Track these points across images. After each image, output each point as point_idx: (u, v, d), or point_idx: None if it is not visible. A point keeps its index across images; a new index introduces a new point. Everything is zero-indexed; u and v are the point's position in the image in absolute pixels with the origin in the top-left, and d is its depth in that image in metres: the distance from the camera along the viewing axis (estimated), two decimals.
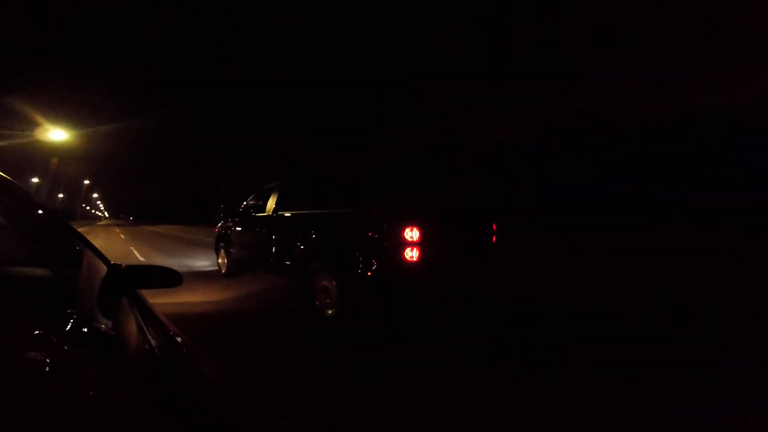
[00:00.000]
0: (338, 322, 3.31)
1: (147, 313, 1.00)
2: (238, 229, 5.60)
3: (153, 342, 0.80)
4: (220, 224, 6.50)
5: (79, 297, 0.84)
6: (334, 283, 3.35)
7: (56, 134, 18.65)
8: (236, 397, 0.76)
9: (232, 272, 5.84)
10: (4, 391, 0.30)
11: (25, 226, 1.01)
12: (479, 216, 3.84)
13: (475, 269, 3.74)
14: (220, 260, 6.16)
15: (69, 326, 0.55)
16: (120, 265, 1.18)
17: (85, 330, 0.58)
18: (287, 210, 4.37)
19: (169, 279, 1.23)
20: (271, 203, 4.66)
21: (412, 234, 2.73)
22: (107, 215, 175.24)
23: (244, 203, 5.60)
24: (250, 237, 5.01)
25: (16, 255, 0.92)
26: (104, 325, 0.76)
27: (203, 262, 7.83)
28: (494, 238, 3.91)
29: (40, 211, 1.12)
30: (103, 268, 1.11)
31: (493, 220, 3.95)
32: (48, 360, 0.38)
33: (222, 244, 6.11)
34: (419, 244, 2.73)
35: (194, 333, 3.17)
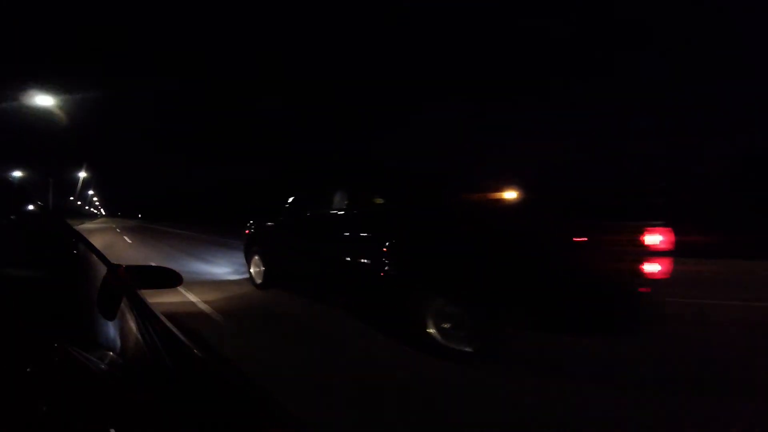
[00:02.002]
0: (478, 361, 2.28)
1: (147, 313, 0.94)
2: (285, 231, 4.52)
3: (153, 342, 0.78)
4: (250, 222, 5.45)
5: (79, 297, 0.85)
6: (464, 303, 2.32)
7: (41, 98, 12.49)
8: (239, 397, 0.68)
9: (270, 284, 4.78)
10: (4, 392, 0.30)
11: (22, 226, 1.02)
12: None
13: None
14: (253, 269, 5.06)
15: (67, 327, 0.56)
16: (120, 265, 1.17)
17: (84, 331, 0.60)
18: (375, 204, 3.33)
19: (169, 279, 1.25)
20: (346, 198, 3.58)
21: (653, 238, 1.72)
22: (104, 212, 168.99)
23: (294, 198, 4.56)
24: (307, 241, 3.91)
25: (13, 255, 0.89)
26: (104, 325, 0.77)
27: None
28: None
29: (39, 210, 1.11)
30: (103, 268, 1.09)
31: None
32: (47, 361, 0.38)
33: (256, 248, 5.04)
34: (661, 254, 1.73)
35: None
